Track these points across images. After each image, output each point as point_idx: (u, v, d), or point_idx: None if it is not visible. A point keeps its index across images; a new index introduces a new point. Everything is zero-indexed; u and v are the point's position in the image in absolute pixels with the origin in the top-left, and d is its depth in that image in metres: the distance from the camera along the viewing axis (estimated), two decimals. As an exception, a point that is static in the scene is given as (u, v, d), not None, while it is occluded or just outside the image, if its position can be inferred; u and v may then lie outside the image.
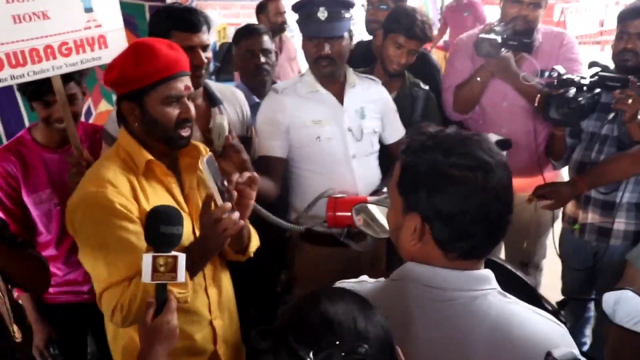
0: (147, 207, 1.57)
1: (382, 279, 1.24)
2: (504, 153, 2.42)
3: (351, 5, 2.23)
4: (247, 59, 2.71)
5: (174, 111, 1.60)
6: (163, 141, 1.64)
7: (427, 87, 2.64)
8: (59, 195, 2.19)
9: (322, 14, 2.13)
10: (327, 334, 0.90)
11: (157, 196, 1.63)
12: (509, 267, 1.93)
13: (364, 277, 1.27)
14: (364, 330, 0.92)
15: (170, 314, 1.28)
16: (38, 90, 2.07)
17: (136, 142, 1.63)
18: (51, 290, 2.24)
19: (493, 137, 2.44)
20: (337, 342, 0.88)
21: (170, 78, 1.57)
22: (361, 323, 0.93)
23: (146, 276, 1.26)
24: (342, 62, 2.26)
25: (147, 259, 1.26)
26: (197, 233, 1.69)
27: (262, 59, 2.68)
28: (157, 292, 1.28)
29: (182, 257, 1.27)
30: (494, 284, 1.15)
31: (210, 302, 1.77)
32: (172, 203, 1.65)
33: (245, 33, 2.75)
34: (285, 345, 0.91)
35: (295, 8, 2.26)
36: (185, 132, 1.64)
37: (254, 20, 6.30)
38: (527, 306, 1.16)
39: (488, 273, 1.15)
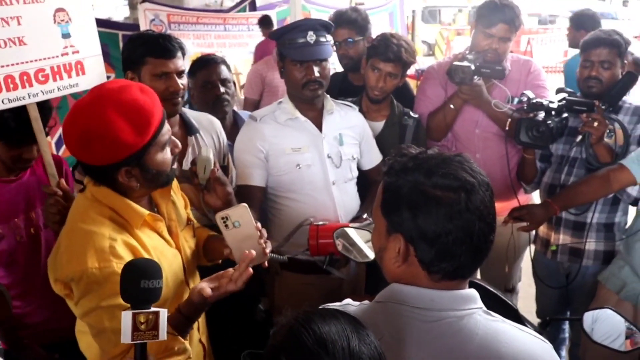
0: (151, 255, 1.53)
1: (366, 302, 1.23)
2: None
3: (332, 29, 2.27)
4: (205, 90, 2.63)
5: (168, 153, 1.54)
6: (161, 185, 1.59)
7: (416, 116, 2.66)
8: (25, 227, 2.07)
9: (311, 37, 2.15)
10: (320, 354, 0.90)
11: (154, 244, 1.58)
12: (490, 289, 1.95)
13: (348, 300, 1.27)
14: (358, 350, 0.92)
15: None
16: (9, 132, 1.95)
17: (123, 198, 1.51)
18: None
19: None
20: None
21: (162, 125, 1.48)
22: (355, 343, 0.93)
23: (126, 336, 1.15)
24: (327, 85, 2.28)
25: (126, 317, 1.16)
26: (184, 261, 1.69)
27: (222, 89, 2.61)
28: (137, 352, 1.19)
29: (163, 313, 1.18)
30: (480, 303, 1.16)
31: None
32: (164, 245, 1.62)
33: (202, 64, 2.67)
34: None
35: (278, 34, 2.26)
36: (175, 167, 1.60)
37: (228, 50, 6.30)
38: (513, 324, 1.17)
39: (473, 292, 1.16)
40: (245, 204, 1.63)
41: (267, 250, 1.66)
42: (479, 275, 3.06)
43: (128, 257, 1.45)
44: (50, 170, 1.97)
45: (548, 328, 2.89)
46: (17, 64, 1.87)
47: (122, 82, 1.49)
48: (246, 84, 5.14)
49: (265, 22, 6.06)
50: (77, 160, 1.55)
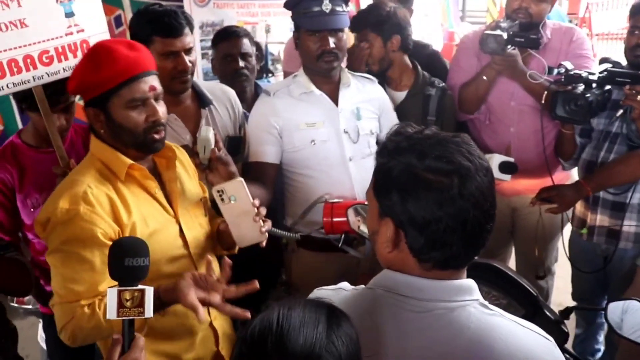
0: (129, 217, 1.54)
1: (361, 286, 1.19)
2: (509, 177, 2.37)
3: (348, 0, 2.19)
4: (225, 63, 2.62)
5: (139, 115, 1.53)
6: (133, 147, 1.58)
7: (442, 85, 2.55)
8: None
9: (326, 6, 2.07)
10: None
11: (139, 202, 1.59)
12: (510, 273, 1.86)
13: (343, 284, 1.22)
14: None
15: (138, 351, 1.21)
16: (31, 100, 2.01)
17: (111, 149, 1.57)
18: None
19: (498, 159, 2.39)
20: None
21: (131, 80, 1.50)
22: None
23: (111, 312, 1.18)
24: (343, 57, 2.21)
25: (111, 294, 1.18)
26: (187, 234, 1.67)
27: (241, 64, 2.59)
28: (124, 329, 1.20)
29: (149, 291, 1.20)
30: (476, 294, 1.08)
31: None
32: (156, 207, 1.62)
33: (224, 35, 2.65)
34: (239, 350, 0.92)
35: (292, 3, 2.17)
36: (158, 135, 1.58)
37: (273, 19, 6.23)
38: (512, 318, 1.09)
39: (469, 283, 1.09)
40: (241, 179, 1.62)
41: (264, 229, 1.64)
42: (513, 259, 2.96)
43: (101, 206, 1.49)
44: (59, 152, 2.00)
45: (578, 313, 2.76)
46: (20, 47, 1.86)
47: (121, 39, 1.62)
48: (285, 57, 5.03)
49: None
50: None
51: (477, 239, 1.03)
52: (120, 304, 1.17)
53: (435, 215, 0.99)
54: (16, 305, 2.53)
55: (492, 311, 1.07)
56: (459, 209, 0.99)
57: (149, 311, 1.19)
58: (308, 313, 0.93)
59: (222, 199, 1.60)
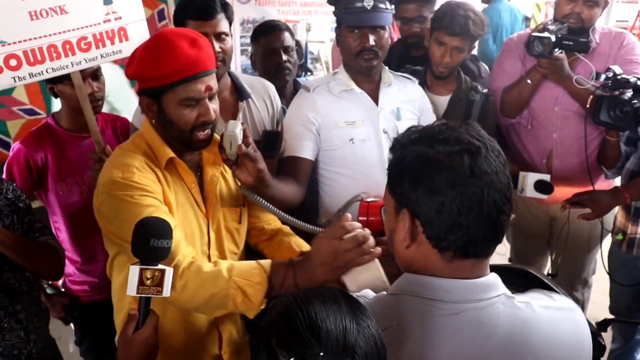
0: (171, 196, 1.56)
1: (382, 293, 1.16)
2: (545, 197, 2.31)
3: None
4: (267, 58, 2.60)
5: (191, 113, 1.53)
6: (179, 142, 1.59)
7: (485, 91, 2.50)
8: (89, 184, 2.17)
9: (368, 2, 2.03)
10: (312, 343, 0.84)
11: (177, 190, 1.61)
12: (544, 280, 1.80)
13: (365, 292, 1.19)
14: (353, 344, 0.86)
15: (152, 328, 1.25)
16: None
17: (159, 137, 1.59)
18: (80, 287, 2.28)
19: (533, 177, 2.35)
20: (321, 354, 0.83)
21: (188, 79, 1.50)
22: (351, 336, 0.86)
23: (131, 289, 1.21)
24: (383, 56, 2.16)
25: (133, 271, 1.22)
26: (211, 235, 1.66)
27: (284, 57, 2.57)
28: (141, 305, 1.25)
29: (169, 271, 1.24)
30: (502, 288, 1.06)
31: None
32: (189, 200, 1.63)
33: (265, 29, 2.64)
34: (266, 345, 0.88)
35: None
36: (203, 135, 1.58)
37: (314, 17, 6.25)
38: (539, 305, 1.06)
39: (494, 278, 1.06)
40: (376, 262, 1.47)
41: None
42: (549, 264, 2.89)
43: (150, 177, 1.52)
44: (95, 137, 2.04)
45: (615, 329, 2.66)
46: (59, 33, 1.91)
47: (187, 31, 1.57)
48: (334, 58, 5.01)
49: None
50: None
51: (494, 220, 1.00)
52: (141, 282, 1.22)
53: (449, 196, 0.97)
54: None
55: (520, 304, 1.05)
56: (472, 188, 0.97)
57: (166, 291, 1.24)
58: (326, 296, 0.92)
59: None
